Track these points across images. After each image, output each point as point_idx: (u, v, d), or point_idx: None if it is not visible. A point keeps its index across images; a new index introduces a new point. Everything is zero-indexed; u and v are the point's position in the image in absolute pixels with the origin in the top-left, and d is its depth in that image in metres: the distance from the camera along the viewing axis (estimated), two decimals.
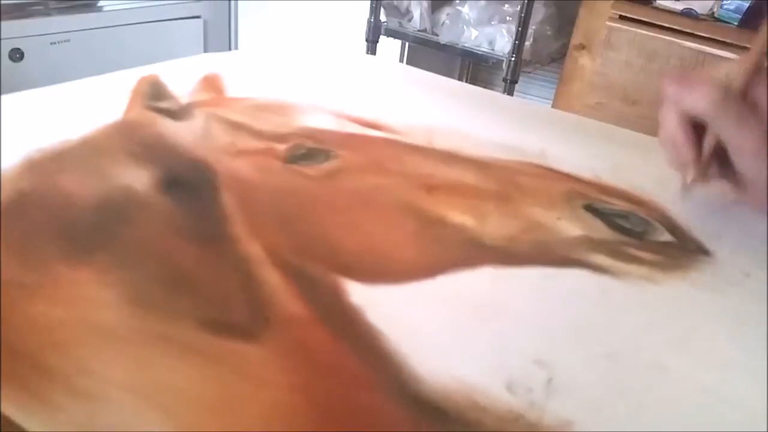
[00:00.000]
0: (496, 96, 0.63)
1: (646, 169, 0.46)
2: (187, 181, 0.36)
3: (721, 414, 0.26)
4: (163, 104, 0.44)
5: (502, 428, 0.23)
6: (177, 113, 0.43)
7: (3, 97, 0.41)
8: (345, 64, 0.62)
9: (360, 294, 0.29)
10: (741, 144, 0.36)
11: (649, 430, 0.24)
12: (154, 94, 0.45)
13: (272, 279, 0.29)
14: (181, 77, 0.48)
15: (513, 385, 0.25)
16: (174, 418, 0.22)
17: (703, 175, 0.39)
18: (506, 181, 0.41)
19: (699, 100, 0.37)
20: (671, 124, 0.38)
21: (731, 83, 0.37)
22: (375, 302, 0.29)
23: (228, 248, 0.31)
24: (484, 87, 1.78)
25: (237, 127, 0.43)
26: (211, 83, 0.49)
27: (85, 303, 0.26)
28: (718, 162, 0.38)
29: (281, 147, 0.41)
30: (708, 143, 0.38)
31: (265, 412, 0.22)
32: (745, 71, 0.37)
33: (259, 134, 0.42)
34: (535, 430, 0.23)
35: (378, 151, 0.43)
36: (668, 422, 0.25)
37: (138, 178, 0.35)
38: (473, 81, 1.96)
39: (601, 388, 0.26)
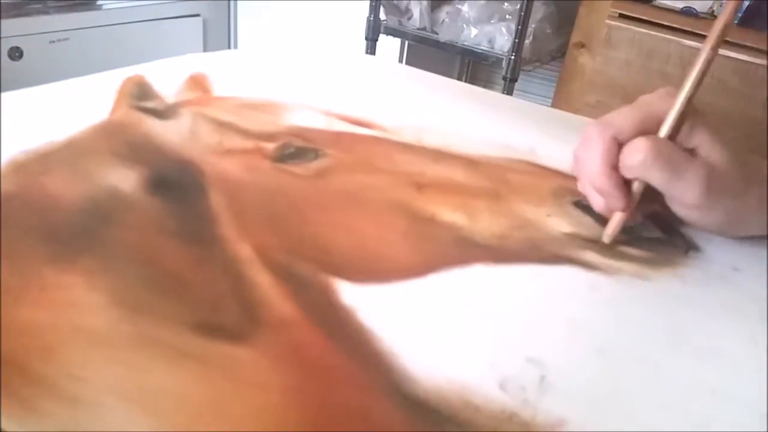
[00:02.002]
0: (486, 93, 0.63)
1: None
2: (175, 182, 0.36)
3: (713, 409, 0.26)
4: (149, 104, 0.44)
5: (496, 427, 0.23)
6: (163, 113, 0.43)
7: None
8: (335, 63, 0.61)
9: (351, 294, 0.29)
10: (681, 198, 0.34)
11: (642, 427, 0.24)
12: (139, 93, 0.45)
13: (262, 280, 0.29)
14: (167, 77, 0.48)
15: (506, 383, 0.25)
16: (165, 421, 0.22)
17: (631, 220, 0.36)
18: (496, 178, 0.41)
19: (631, 154, 0.34)
20: (595, 169, 0.35)
21: (660, 126, 0.35)
22: (366, 302, 0.28)
23: (217, 249, 0.30)
24: (484, 85, 1.78)
25: (224, 126, 0.43)
26: (198, 82, 0.48)
27: (73, 307, 0.26)
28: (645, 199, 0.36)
29: (269, 146, 0.41)
30: (637, 191, 0.35)
31: (256, 414, 0.22)
32: (675, 115, 0.34)
33: (246, 133, 0.42)
34: (528, 429, 0.23)
35: (367, 149, 0.43)
36: (661, 418, 0.25)
37: (124, 179, 0.35)
38: (473, 79, 1.96)
39: (594, 385, 0.26)
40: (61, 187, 0.33)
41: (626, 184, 0.35)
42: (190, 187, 0.35)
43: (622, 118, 0.35)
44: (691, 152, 0.34)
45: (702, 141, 0.34)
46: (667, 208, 0.36)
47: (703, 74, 0.34)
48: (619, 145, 0.34)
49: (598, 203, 0.36)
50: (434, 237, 0.34)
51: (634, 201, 0.35)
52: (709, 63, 0.34)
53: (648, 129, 0.35)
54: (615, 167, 0.34)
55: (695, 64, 0.34)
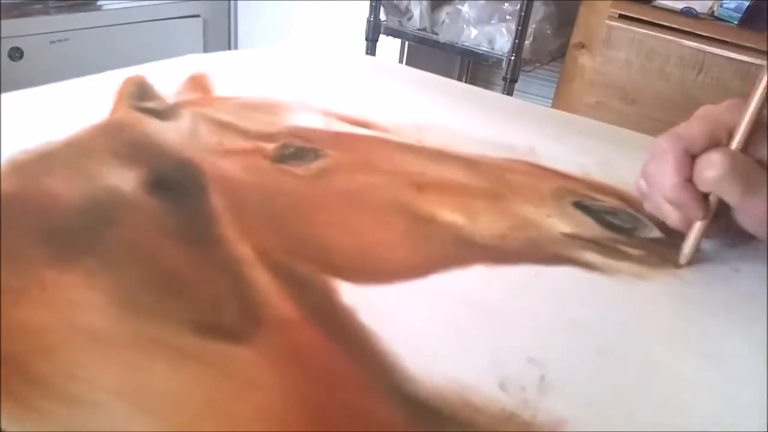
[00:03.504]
0: (486, 94, 0.63)
1: (635, 165, 0.45)
2: (175, 182, 0.35)
3: (713, 409, 0.26)
4: (150, 104, 0.44)
5: (496, 427, 0.23)
6: (163, 113, 0.43)
7: None
8: (334, 63, 0.61)
9: (351, 294, 0.29)
10: (751, 210, 0.34)
11: (643, 426, 0.24)
12: (140, 94, 0.45)
13: (262, 280, 0.29)
14: (167, 77, 0.48)
15: (506, 383, 0.25)
16: (165, 421, 0.21)
17: (707, 234, 0.36)
18: (496, 178, 0.41)
19: (707, 168, 0.33)
20: (671, 182, 0.34)
21: (729, 137, 0.34)
22: (366, 302, 0.28)
23: (217, 249, 0.30)
24: (484, 86, 1.78)
25: (224, 126, 0.43)
26: (198, 83, 0.48)
27: (73, 307, 0.26)
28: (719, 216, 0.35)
29: (269, 146, 0.41)
30: (713, 204, 0.34)
31: (256, 414, 0.22)
32: (746, 127, 0.34)
33: (246, 133, 0.42)
34: (528, 429, 0.23)
35: (367, 149, 0.43)
36: (661, 418, 0.25)
37: (125, 179, 0.35)
38: (473, 80, 1.96)
39: (594, 385, 0.26)
40: (61, 187, 0.33)
41: (703, 196, 0.34)
42: (190, 187, 0.35)
43: (693, 130, 0.35)
44: (759, 163, 0.34)
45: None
46: (733, 222, 0.35)
47: None
48: (691, 157, 0.34)
49: (673, 219, 0.36)
50: (434, 237, 0.34)
51: (710, 214, 0.34)
52: None
53: (718, 140, 0.34)
54: (690, 179, 0.34)
55: (764, 74, 0.34)
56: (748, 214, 0.34)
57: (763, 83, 0.34)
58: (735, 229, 0.36)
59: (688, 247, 0.35)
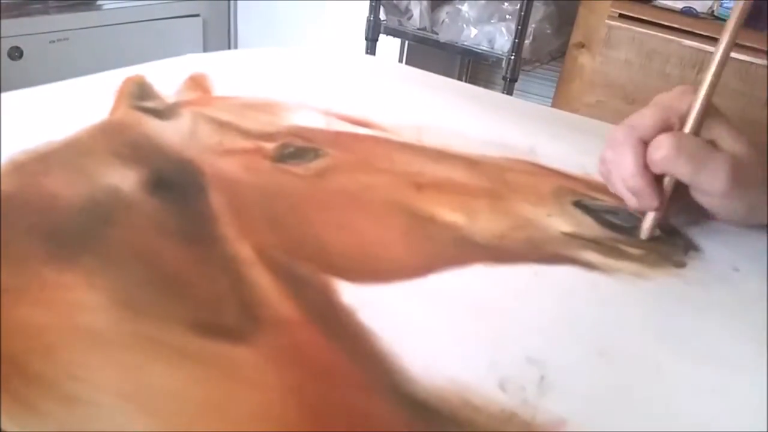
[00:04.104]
0: (486, 93, 0.63)
1: None
2: (175, 182, 0.35)
3: (714, 409, 0.26)
4: (149, 104, 0.44)
5: (496, 427, 0.23)
6: (163, 113, 0.43)
7: None
8: (334, 63, 0.61)
9: (351, 294, 0.29)
10: (707, 188, 0.35)
11: (642, 426, 0.24)
12: (140, 93, 0.45)
13: (262, 280, 0.29)
14: (167, 77, 0.48)
15: (505, 383, 0.25)
16: (165, 421, 0.21)
17: (664, 216, 0.37)
18: (496, 178, 0.41)
19: (655, 150, 0.35)
20: (628, 171, 0.36)
21: (681, 123, 0.36)
22: (366, 302, 0.28)
23: (217, 249, 0.30)
24: (484, 85, 1.78)
25: (224, 126, 0.43)
26: (198, 82, 0.48)
27: (73, 307, 0.26)
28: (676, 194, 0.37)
29: (269, 146, 0.41)
30: (668, 187, 0.36)
31: (256, 414, 0.22)
32: (697, 112, 0.35)
33: (246, 133, 0.42)
34: (528, 429, 0.23)
35: (367, 149, 0.43)
36: (661, 418, 0.25)
37: (124, 179, 0.35)
38: (473, 79, 1.96)
39: (594, 385, 0.26)
40: (61, 187, 0.33)
41: (658, 181, 0.36)
42: (190, 186, 0.35)
43: (645, 119, 0.36)
44: (714, 146, 0.36)
45: (721, 134, 0.36)
46: (693, 201, 0.37)
47: (721, 69, 0.36)
48: (646, 144, 0.36)
49: (632, 203, 0.37)
50: (434, 237, 0.34)
51: (666, 196, 0.36)
52: (726, 57, 0.36)
53: (670, 127, 0.36)
54: (646, 167, 0.36)
55: (713, 59, 0.36)
56: (700, 190, 0.36)
57: (712, 69, 0.36)
58: (695, 208, 0.37)
59: (647, 223, 0.37)
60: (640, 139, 0.36)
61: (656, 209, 0.36)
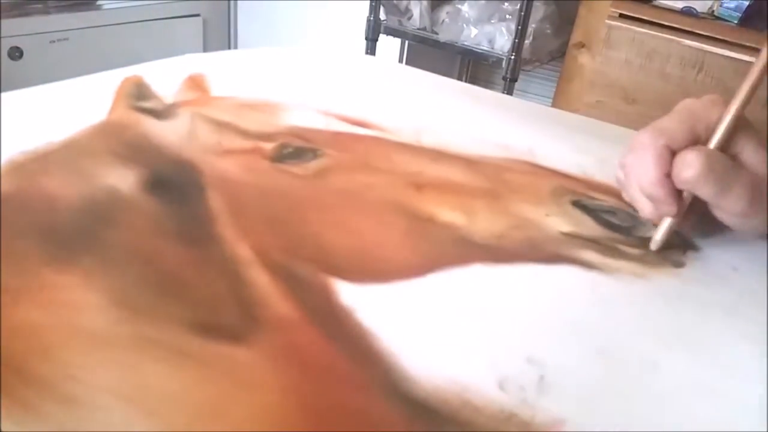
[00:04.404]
0: (486, 93, 0.63)
1: None
2: (173, 182, 0.35)
3: (712, 408, 0.26)
4: (148, 104, 0.44)
5: (495, 427, 0.23)
6: (161, 113, 0.43)
7: None
8: (334, 63, 0.61)
9: (350, 294, 0.29)
10: (726, 207, 0.35)
11: (642, 426, 0.24)
12: (138, 94, 0.45)
13: (261, 280, 0.29)
14: (165, 77, 0.48)
15: (505, 383, 0.25)
16: (164, 422, 0.21)
17: (679, 226, 0.37)
18: (495, 178, 0.41)
19: (685, 168, 0.34)
20: (649, 177, 0.35)
21: (709, 133, 0.35)
22: (365, 302, 0.28)
23: (216, 249, 0.30)
24: (484, 85, 1.78)
25: (223, 126, 0.43)
26: (196, 83, 0.48)
27: (72, 307, 0.26)
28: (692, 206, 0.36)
29: (268, 146, 0.41)
30: (687, 199, 0.35)
31: (255, 414, 0.22)
32: (726, 127, 0.35)
33: (245, 133, 0.42)
34: (527, 429, 0.23)
35: (366, 149, 0.43)
36: (660, 418, 0.25)
37: (123, 179, 0.35)
38: (473, 79, 1.96)
39: (593, 384, 0.26)
40: (59, 188, 0.33)
41: (678, 192, 0.35)
42: (189, 187, 0.35)
43: (674, 126, 0.35)
44: (734, 157, 0.35)
45: (745, 147, 0.35)
46: (709, 213, 0.36)
47: (756, 85, 0.34)
48: (670, 152, 0.35)
49: (647, 210, 0.37)
50: (433, 237, 0.34)
51: (683, 209, 0.35)
52: (762, 73, 0.34)
53: (697, 136, 0.35)
54: (668, 175, 0.35)
55: (749, 74, 0.34)
56: (723, 210, 0.35)
57: (748, 83, 0.34)
58: (709, 220, 0.36)
59: (660, 234, 0.36)
60: (667, 146, 0.35)
61: (673, 217, 0.35)
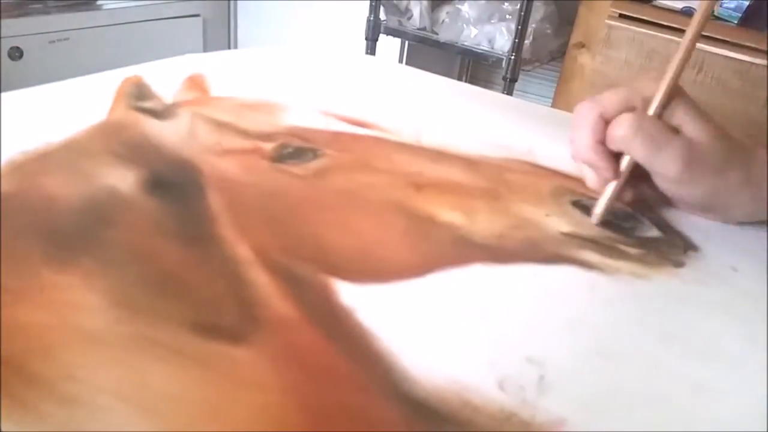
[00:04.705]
0: (486, 93, 0.63)
1: None
2: (173, 182, 0.35)
3: (712, 409, 0.26)
4: (148, 104, 0.44)
5: (495, 427, 0.23)
6: (161, 113, 0.43)
7: None
8: (334, 63, 0.61)
9: (350, 294, 0.29)
10: (662, 172, 0.36)
11: (642, 426, 0.24)
12: (138, 94, 0.45)
13: (261, 280, 0.29)
14: (165, 77, 0.48)
15: (505, 383, 0.25)
16: (163, 422, 0.21)
17: (621, 198, 0.38)
18: (495, 178, 0.41)
19: (616, 127, 0.36)
20: (584, 143, 0.37)
21: (645, 105, 0.37)
22: (365, 302, 0.28)
23: (215, 249, 0.30)
24: (484, 85, 1.78)
25: (222, 126, 0.43)
26: (196, 83, 0.48)
27: (71, 307, 0.26)
28: (637, 178, 0.38)
29: (268, 146, 0.41)
30: (625, 166, 0.37)
31: (255, 414, 0.22)
32: (663, 94, 0.36)
33: (245, 133, 0.42)
34: (527, 429, 0.23)
35: (366, 149, 0.43)
36: (660, 418, 0.25)
37: (123, 179, 0.35)
38: (473, 79, 1.96)
39: (593, 384, 0.26)
40: (59, 188, 0.33)
41: (615, 158, 0.37)
42: (189, 187, 0.35)
43: (609, 97, 0.38)
44: (675, 130, 0.36)
45: (685, 118, 0.36)
46: (654, 187, 0.38)
47: (689, 53, 0.36)
48: (607, 122, 0.37)
49: (591, 181, 0.38)
50: (433, 237, 0.34)
51: (623, 176, 0.37)
52: (694, 43, 0.37)
53: (633, 107, 0.37)
54: (602, 142, 0.37)
55: (681, 45, 0.37)
56: (657, 174, 0.37)
57: (680, 54, 0.36)
58: (654, 194, 0.38)
59: (600, 206, 0.37)
60: (602, 115, 0.37)
61: (611, 180, 0.37)
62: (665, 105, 0.36)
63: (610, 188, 0.37)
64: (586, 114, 0.38)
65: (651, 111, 0.36)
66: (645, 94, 0.37)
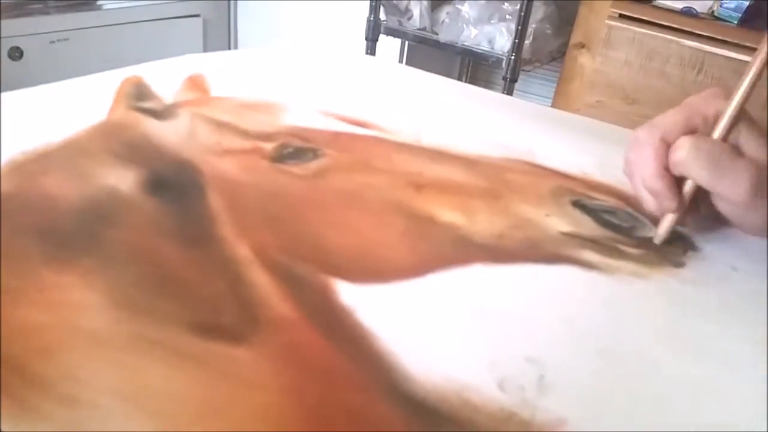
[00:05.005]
0: (486, 93, 0.63)
1: None
2: (173, 182, 0.35)
3: (712, 409, 0.26)
4: (148, 104, 0.44)
5: (495, 427, 0.23)
6: (161, 113, 0.43)
7: None
8: (333, 63, 0.61)
9: (350, 294, 0.29)
10: (727, 195, 0.34)
11: (642, 426, 0.24)
12: (138, 94, 0.45)
13: (261, 280, 0.29)
14: (165, 77, 0.48)
15: (505, 383, 0.25)
16: (163, 422, 0.21)
17: (682, 222, 0.37)
18: (495, 178, 0.41)
19: (675, 150, 0.35)
20: (648, 171, 0.36)
21: (706, 124, 0.35)
22: (365, 302, 0.28)
23: (215, 249, 0.30)
24: (484, 86, 1.78)
25: (222, 126, 0.43)
26: (196, 83, 0.48)
27: (71, 308, 0.26)
28: (697, 202, 0.36)
29: (268, 146, 0.40)
30: (688, 192, 0.36)
31: (255, 414, 0.22)
32: (729, 117, 0.35)
33: (245, 133, 0.42)
34: (527, 429, 0.23)
35: (366, 149, 0.43)
36: (660, 418, 0.25)
37: (123, 180, 0.35)
38: (473, 79, 1.96)
39: (593, 384, 0.26)
40: (59, 188, 0.33)
41: (678, 185, 0.35)
42: (189, 187, 0.35)
43: (669, 119, 0.36)
44: (739, 151, 0.35)
45: (749, 138, 0.35)
46: (715, 212, 0.36)
47: (758, 76, 0.34)
48: (668, 146, 0.35)
49: (650, 205, 0.37)
50: (433, 237, 0.34)
51: (685, 202, 0.35)
52: (764, 65, 0.34)
53: (694, 128, 0.36)
54: (666, 168, 0.35)
55: (750, 65, 0.35)
56: (721, 198, 0.35)
57: (749, 76, 0.34)
58: (715, 217, 0.37)
59: (662, 229, 0.36)
60: (662, 139, 0.35)
61: (674, 211, 0.36)
62: (731, 128, 0.35)
63: (671, 216, 0.36)
64: (646, 139, 0.36)
65: (717, 133, 0.35)
66: (705, 112, 0.35)
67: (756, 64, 0.34)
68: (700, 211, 0.37)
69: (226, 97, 0.48)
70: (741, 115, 0.35)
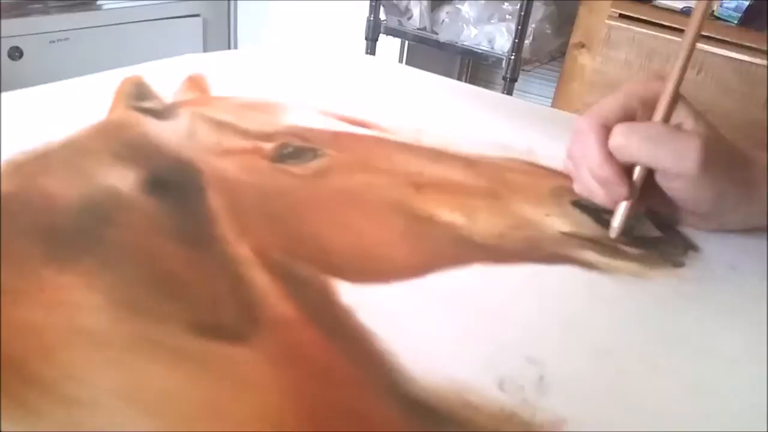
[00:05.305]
0: (486, 93, 0.63)
1: None
2: (173, 182, 0.35)
3: (712, 409, 0.26)
4: (147, 104, 0.44)
5: (495, 427, 0.23)
6: (161, 113, 0.43)
7: None
8: (334, 63, 0.61)
9: (350, 294, 0.29)
10: (677, 169, 0.34)
11: (642, 426, 0.24)
12: (138, 94, 0.45)
13: (261, 280, 0.29)
14: (165, 77, 0.48)
15: (505, 383, 0.25)
16: (163, 422, 0.21)
17: (637, 209, 0.36)
18: (494, 178, 0.41)
19: (613, 137, 0.34)
20: (594, 160, 0.35)
21: (644, 108, 0.35)
22: (365, 302, 0.28)
23: (215, 249, 0.30)
24: (484, 85, 1.78)
25: (222, 126, 0.43)
26: (196, 83, 0.48)
27: (71, 307, 0.26)
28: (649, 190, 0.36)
29: (268, 146, 0.40)
30: (638, 178, 0.35)
31: (255, 414, 0.22)
32: (666, 101, 0.35)
33: (245, 133, 0.42)
34: (527, 429, 0.23)
35: (366, 149, 0.43)
36: (660, 417, 0.25)
37: (123, 179, 0.35)
38: (473, 79, 1.96)
39: (593, 384, 0.26)
40: (59, 188, 0.33)
41: (627, 172, 0.35)
42: (189, 187, 0.35)
43: (606, 106, 0.36)
44: (678, 128, 0.35)
45: (687, 119, 0.35)
46: (667, 199, 0.36)
47: (689, 58, 0.35)
48: (609, 131, 0.35)
49: (601, 196, 0.36)
50: (433, 237, 0.34)
51: (636, 188, 0.35)
52: (693, 45, 0.36)
53: (632, 112, 0.36)
54: (611, 154, 0.35)
55: (680, 49, 0.36)
56: (670, 174, 0.35)
57: (680, 59, 0.35)
58: (663, 208, 0.37)
59: (617, 220, 0.36)
60: (604, 126, 0.35)
61: (626, 198, 0.35)
62: (671, 110, 0.35)
63: (624, 204, 0.35)
64: (587, 128, 0.35)
65: (657, 117, 0.35)
66: (643, 96, 0.36)
67: (685, 44, 0.35)
68: (650, 200, 0.37)
69: (226, 96, 0.48)
70: (678, 97, 0.35)
